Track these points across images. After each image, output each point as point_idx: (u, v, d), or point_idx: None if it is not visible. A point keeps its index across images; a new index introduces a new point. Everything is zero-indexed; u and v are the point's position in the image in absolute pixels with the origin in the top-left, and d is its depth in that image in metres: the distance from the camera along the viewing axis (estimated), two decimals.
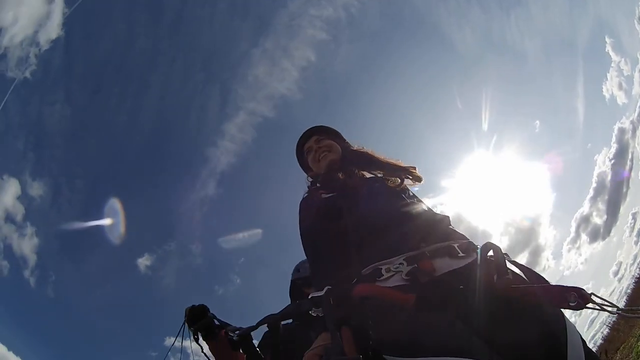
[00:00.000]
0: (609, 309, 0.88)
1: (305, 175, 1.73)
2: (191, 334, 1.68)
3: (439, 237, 1.12)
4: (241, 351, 1.68)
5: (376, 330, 0.93)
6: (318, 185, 1.56)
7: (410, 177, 1.51)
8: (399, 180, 1.45)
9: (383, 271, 1.03)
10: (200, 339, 1.70)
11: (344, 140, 1.74)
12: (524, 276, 1.00)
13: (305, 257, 2.27)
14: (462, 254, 1.06)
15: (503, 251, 1.02)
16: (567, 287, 0.89)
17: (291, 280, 2.31)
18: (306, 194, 1.56)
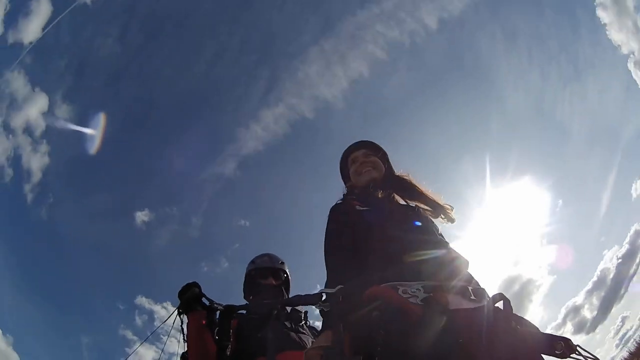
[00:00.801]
0: None
1: (343, 184, 1.76)
2: (177, 307, 1.67)
3: (457, 277, 1.19)
4: (217, 327, 1.67)
5: (381, 336, 0.95)
6: (354, 196, 1.57)
7: (444, 217, 1.55)
8: (434, 215, 1.50)
9: (400, 292, 1.06)
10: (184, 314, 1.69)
11: (390, 163, 1.75)
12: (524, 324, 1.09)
13: (260, 252, 2.34)
14: (474, 298, 1.12)
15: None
16: (556, 336, 0.99)
17: (246, 273, 2.25)
18: (340, 202, 1.59)
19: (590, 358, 0.97)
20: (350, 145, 1.78)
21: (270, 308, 1.81)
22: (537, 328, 1.08)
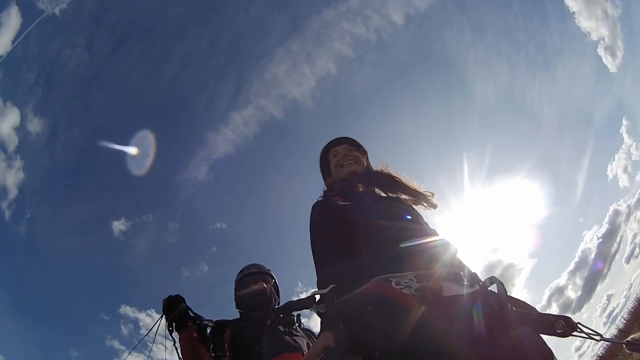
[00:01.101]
0: (594, 337, 0.95)
1: (321, 181, 1.73)
2: (166, 324, 1.68)
3: (448, 263, 1.18)
4: (211, 343, 1.71)
5: (379, 331, 0.94)
6: (334, 192, 1.56)
7: (426, 204, 1.54)
8: (416, 204, 1.49)
9: (393, 283, 1.06)
10: (175, 331, 1.70)
11: (369, 160, 1.75)
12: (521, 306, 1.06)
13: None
14: (467, 283, 1.12)
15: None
16: (556, 315, 0.97)
17: (235, 280, 2.26)
18: (321, 198, 1.57)
19: (592, 333, 0.95)
20: (331, 140, 1.77)
21: (263, 319, 1.84)
22: (535, 308, 1.05)
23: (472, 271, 1.21)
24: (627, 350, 1.00)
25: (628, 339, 0.97)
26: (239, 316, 2.10)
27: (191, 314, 1.72)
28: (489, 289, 1.12)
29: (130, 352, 1.93)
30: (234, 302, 2.20)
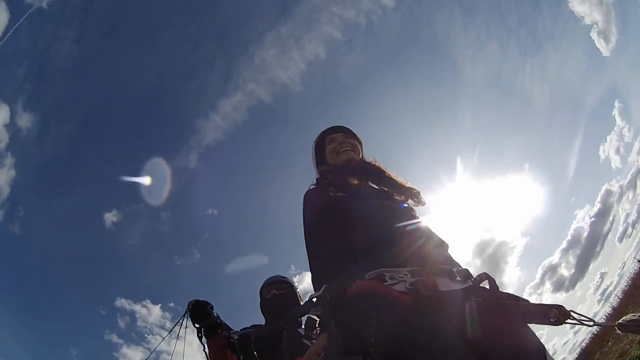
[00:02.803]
0: (587, 323, 0.97)
1: (314, 167, 1.73)
2: (197, 331, 1.77)
3: (441, 260, 1.19)
4: (241, 354, 1.80)
5: (376, 325, 0.94)
6: (327, 181, 1.55)
7: (415, 200, 1.54)
8: (405, 200, 1.49)
9: (387, 278, 1.06)
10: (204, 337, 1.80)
11: (362, 151, 1.75)
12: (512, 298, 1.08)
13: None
14: (459, 279, 1.12)
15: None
16: (548, 304, 0.98)
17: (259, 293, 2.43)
18: (313, 187, 1.55)
19: (585, 319, 0.96)
20: (328, 128, 1.76)
21: (279, 330, 1.94)
22: (527, 300, 1.06)
23: (464, 268, 1.22)
24: (619, 332, 1.02)
25: (620, 321, 0.99)
26: (264, 322, 2.29)
27: (219, 322, 1.83)
28: (481, 285, 1.14)
29: (157, 345, 1.94)
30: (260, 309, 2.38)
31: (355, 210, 1.31)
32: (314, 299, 1.10)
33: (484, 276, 1.14)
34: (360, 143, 1.75)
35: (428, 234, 1.33)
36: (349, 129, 1.76)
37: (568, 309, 0.97)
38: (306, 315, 2.03)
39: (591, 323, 0.98)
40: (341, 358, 0.89)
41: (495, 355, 0.93)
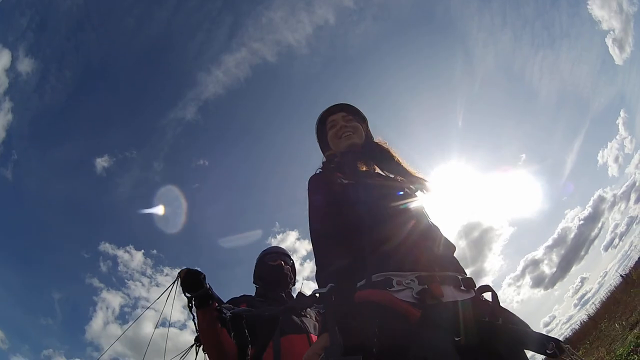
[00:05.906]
0: None
1: (320, 150, 1.68)
2: (187, 301, 1.76)
3: (447, 266, 1.19)
4: (232, 331, 1.79)
5: (379, 335, 0.95)
6: (333, 165, 1.50)
7: (423, 189, 1.51)
8: (412, 187, 1.46)
9: (394, 282, 1.06)
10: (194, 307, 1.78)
11: (368, 128, 1.68)
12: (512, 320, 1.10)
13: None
14: (464, 288, 1.13)
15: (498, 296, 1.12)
16: (548, 336, 1.01)
17: (257, 258, 2.39)
18: (319, 171, 1.51)
19: (578, 359, 1.00)
20: (328, 108, 1.67)
21: (274, 316, 1.91)
22: (527, 325, 1.09)
23: (468, 276, 1.22)
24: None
25: None
26: (253, 292, 2.24)
27: (211, 294, 1.80)
28: (484, 297, 1.16)
29: (137, 319, 2.02)
30: (252, 278, 2.32)
31: (364, 203, 1.28)
32: (317, 295, 1.09)
33: (487, 288, 1.16)
34: (364, 120, 1.68)
35: (437, 235, 1.32)
36: (350, 106, 1.67)
37: (563, 344, 1.01)
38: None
39: None
40: (341, 358, 0.90)
41: None
